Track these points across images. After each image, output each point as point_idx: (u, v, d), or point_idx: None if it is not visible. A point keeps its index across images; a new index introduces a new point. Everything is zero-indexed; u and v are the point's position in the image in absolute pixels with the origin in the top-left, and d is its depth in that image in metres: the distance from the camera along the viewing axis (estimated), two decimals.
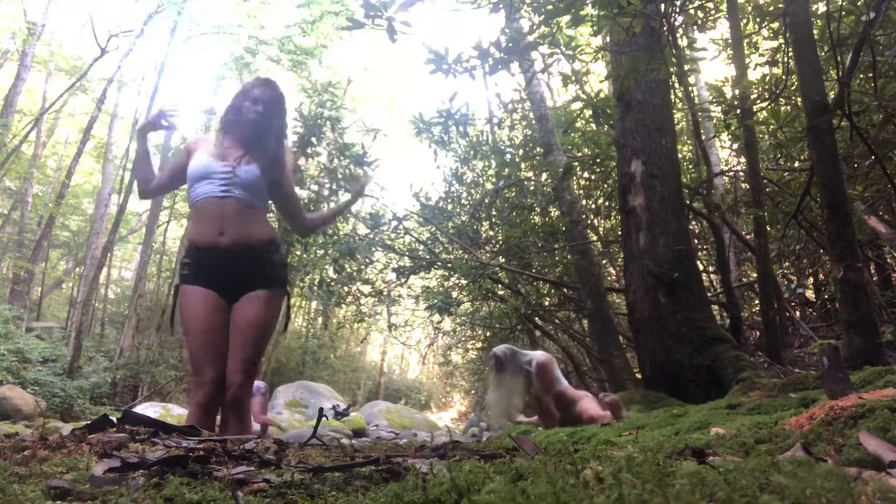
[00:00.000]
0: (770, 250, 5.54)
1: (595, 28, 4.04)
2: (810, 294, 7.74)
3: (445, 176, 9.34)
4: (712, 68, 14.59)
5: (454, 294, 8.86)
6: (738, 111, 4.93)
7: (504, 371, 4.24)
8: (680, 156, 6.45)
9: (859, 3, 3.79)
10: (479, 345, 11.92)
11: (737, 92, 5.04)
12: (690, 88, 6.46)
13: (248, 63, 17.42)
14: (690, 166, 8.14)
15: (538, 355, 4.32)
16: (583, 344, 8.56)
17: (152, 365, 13.64)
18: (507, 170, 8.34)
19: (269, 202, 2.56)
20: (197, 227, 2.33)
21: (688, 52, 4.97)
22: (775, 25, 5.53)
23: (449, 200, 9.16)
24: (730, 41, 5.45)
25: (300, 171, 8.24)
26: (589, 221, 8.43)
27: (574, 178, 8.00)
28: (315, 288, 9.02)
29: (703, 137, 6.03)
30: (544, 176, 8.87)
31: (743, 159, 7.08)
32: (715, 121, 7.28)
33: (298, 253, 8.46)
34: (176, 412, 8.81)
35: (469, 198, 9.43)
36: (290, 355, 18.95)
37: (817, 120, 3.08)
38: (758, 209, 4.71)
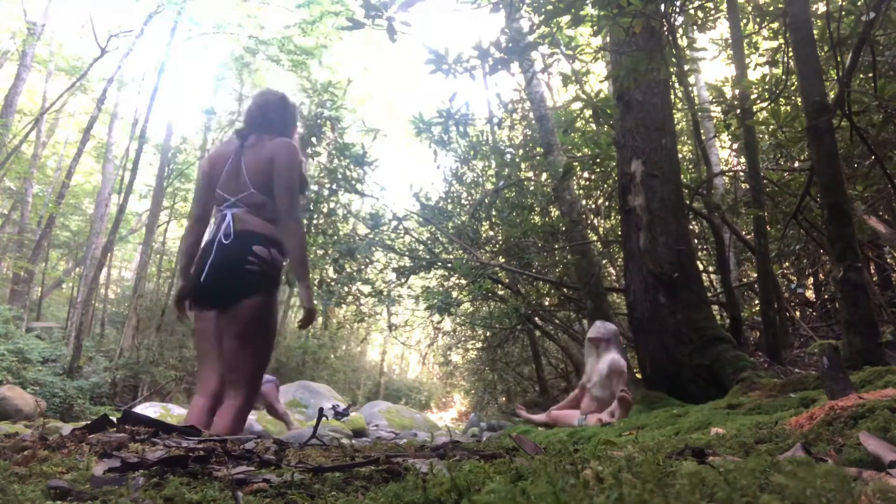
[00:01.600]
0: (770, 250, 5.54)
1: (595, 28, 4.04)
2: (810, 294, 7.74)
3: (445, 176, 9.34)
4: (712, 68, 14.60)
5: (454, 294, 8.85)
6: (738, 111, 4.93)
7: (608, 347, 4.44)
8: (680, 156, 6.45)
9: (859, 3, 3.79)
10: (479, 345, 11.91)
11: (737, 92, 5.04)
12: (690, 88, 6.46)
13: (247, 63, 17.43)
14: (690, 166, 8.13)
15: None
16: (583, 344, 8.55)
17: (152, 365, 13.64)
18: (507, 170, 8.33)
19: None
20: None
21: (688, 52, 4.97)
22: (775, 25, 5.53)
23: (449, 200, 9.16)
24: (730, 41, 5.45)
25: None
26: (589, 221, 8.43)
27: (574, 178, 7.99)
28: (315, 288, 9.01)
29: (703, 137, 6.03)
30: (544, 176, 8.86)
31: (743, 159, 7.08)
32: (715, 121, 7.28)
33: None
34: (176, 412, 8.80)
35: (469, 198, 9.43)
36: (290, 355, 18.94)
37: (817, 120, 3.08)
38: (758, 209, 4.71)
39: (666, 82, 5.07)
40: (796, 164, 6.60)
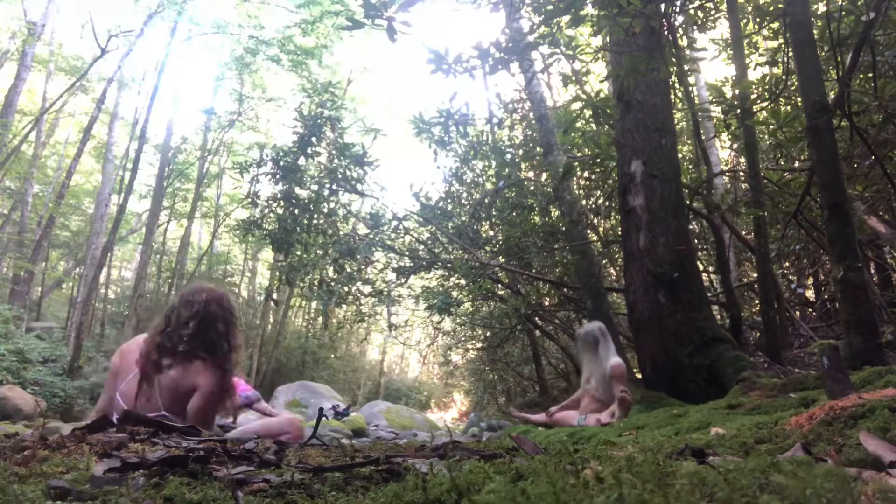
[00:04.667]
0: (770, 250, 5.54)
1: (595, 28, 4.04)
2: (810, 294, 7.74)
3: (445, 176, 9.33)
4: (712, 68, 14.60)
5: (454, 294, 8.85)
6: (738, 111, 4.93)
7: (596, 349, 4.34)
8: (680, 156, 6.45)
9: (859, 3, 3.79)
10: (479, 345, 11.91)
11: (737, 92, 5.04)
12: (690, 88, 6.46)
13: (248, 63, 17.42)
14: (690, 166, 8.13)
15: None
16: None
17: None
18: (507, 170, 8.33)
19: None
20: None
21: (688, 52, 4.97)
22: (775, 25, 5.53)
23: (449, 200, 9.15)
24: (730, 41, 5.45)
25: (302, 170, 8.23)
26: (589, 221, 8.42)
27: (574, 178, 7.99)
28: (315, 288, 9.01)
29: (703, 137, 6.03)
30: (544, 176, 8.86)
31: (743, 159, 7.08)
32: (715, 121, 7.28)
33: (298, 253, 8.45)
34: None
35: (469, 198, 9.42)
36: (290, 355, 18.94)
37: (817, 120, 3.08)
38: (758, 209, 4.71)
39: (666, 82, 5.07)
40: (796, 164, 6.60)
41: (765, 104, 4.96)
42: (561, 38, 4.30)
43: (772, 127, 5.41)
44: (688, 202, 5.31)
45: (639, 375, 5.26)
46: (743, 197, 6.51)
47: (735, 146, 8.39)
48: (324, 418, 1.88)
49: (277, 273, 10.62)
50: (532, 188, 8.78)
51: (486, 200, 8.63)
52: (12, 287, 15.39)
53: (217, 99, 19.62)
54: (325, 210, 8.68)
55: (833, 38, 3.77)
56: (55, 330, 14.60)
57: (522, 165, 9.26)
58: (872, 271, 6.40)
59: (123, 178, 16.05)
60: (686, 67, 4.98)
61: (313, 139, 8.15)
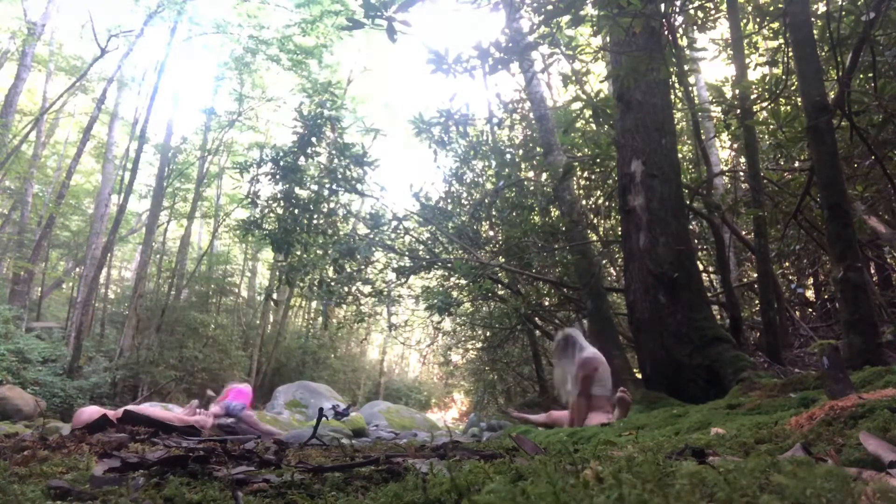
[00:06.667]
0: (770, 250, 5.54)
1: (595, 28, 4.04)
2: (810, 294, 7.73)
3: (445, 176, 9.34)
4: (712, 68, 14.60)
5: (454, 294, 8.85)
6: (738, 111, 4.92)
7: (565, 353, 4.30)
8: (680, 156, 6.45)
9: (859, 3, 3.79)
10: (479, 345, 11.91)
11: (737, 92, 5.04)
12: (690, 88, 6.46)
13: (247, 63, 17.43)
14: (690, 166, 8.13)
15: (586, 353, 4.21)
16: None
17: (152, 365, 13.64)
18: (507, 170, 8.33)
19: None
20: None
21: (688, 52, 4.97)
22: (775, 25, 5.53)
23: (449, 200, 9.16)
24: (730, 41, 5.45)
25: (302, 170, 8.24)
26: (589, 221, 8.42)
27: (574, 178, 7.99)
28: (315, 288, 9.02)
29: (703, 137, 6.03)
30: (544, 176, 8.86)
31: (743, 159, 7.08)
32: (715, 121, 7.28)
33: (298, 253, 8.45)
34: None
35: (469, 198, 9.43)
36: (290, 355, 18.93)
37: (817, 120, 3.08)
38: (758, 209, 4.71)
39: (666, 82, 5.07)
40: (796, 164, 6.60)
41: (765, 104, 4.96)
42: (561, 38, 4.30)
43: (772, 127, 5.41)
44: (688, 202, 5.32)
45: (639, 375, 5.25)
46: (743, 197, 6.51)
47: (735, 146, 8.39)
48: (324, 418, 1.88)
49: (277, 273, 10.63)
50: (532, 188, 8.78)
51: (486, 200, 8.63)
52: (12, 287, 15.39)
53: (217, 99, 19.64)
54: (325, 210, 8.68)
55: (833, 38, 3.77)
56: (55, 330, 14.61)
57: (522, 165, 9.26)
58: (872, 271, 6.39)
59: (123, 178, 16.06)
60: (686, 67, 4.98)
61: (313, 139, 8.15)
